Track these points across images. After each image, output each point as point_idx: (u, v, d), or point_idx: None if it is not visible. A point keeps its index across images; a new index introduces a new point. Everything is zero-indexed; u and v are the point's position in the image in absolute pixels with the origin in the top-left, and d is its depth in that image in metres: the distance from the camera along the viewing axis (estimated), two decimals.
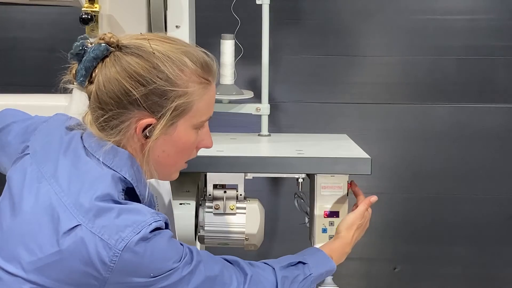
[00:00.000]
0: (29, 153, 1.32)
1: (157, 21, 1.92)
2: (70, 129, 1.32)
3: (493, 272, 2.82)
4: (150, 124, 1.26)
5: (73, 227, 1.17)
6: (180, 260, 1.23)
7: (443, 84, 2.74)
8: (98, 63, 1.26)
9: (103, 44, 1.25)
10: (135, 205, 1.22)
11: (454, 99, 2.74)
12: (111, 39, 1.26)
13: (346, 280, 2.73)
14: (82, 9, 1.84)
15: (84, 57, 1.26)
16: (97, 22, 1.87)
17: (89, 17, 1.82)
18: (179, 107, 1.26)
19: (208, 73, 1.30)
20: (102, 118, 1.26)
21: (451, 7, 2.71)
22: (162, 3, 1.91)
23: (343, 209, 1.82)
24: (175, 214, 1.76)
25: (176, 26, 1.93)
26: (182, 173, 1.93)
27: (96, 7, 1.84)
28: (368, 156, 1.85)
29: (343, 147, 2.06)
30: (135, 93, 1.24)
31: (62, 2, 2.03)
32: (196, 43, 2.11)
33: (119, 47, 1.26)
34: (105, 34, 1.27)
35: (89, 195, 1.20)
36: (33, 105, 1.49)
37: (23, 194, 1.25)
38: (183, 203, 1.88)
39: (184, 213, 1.86)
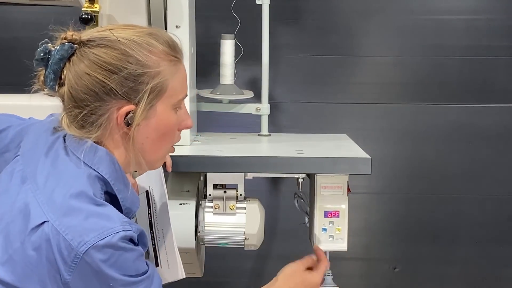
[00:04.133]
0: (19, 155, 1.33)
1: (157, 21, 1.92)
2: (56, 129, 1.32)
3: (493, 272, 2.81)
4: (130, 111, 1.25)
5: (41, 223, 1.17)
6: (139, 278, 1.20)
7: (443, 84, 2.74)
8: (65, 64, 1.25)
9: (66, 43, 1.25)
10: (108, 209, 1.21)
11: (454, 99, 2.74)
12: (73, 37, 1.26)
13: (346, 280, 2.72)
14: (82, 9, 1.84)
15: (50, 61, 1.25)
16: (97, 22, 1.87)
17: (89, 17, 1.82)
18: (154, 88, 1.26)
19: (175, 50, 1.31)
20: (80, 116, 1.25)
21: (451, 7, 2.70)
22: (162, 3, 1.91)
23: (343, 209, 1.82)
24: (175, 214, 1.76)
25: (176, 26, 1.93)
26: (182, 173, 1.94)
27: (96, 7, 1.84)
28: (368, 156, 1.85)
29: (343, 147, 2.06)
30: (109, 83, 1.23)
31: (62, 2, 2.03)
32: (196, 43, 2.11)
33: (83, 43, 1.25)
34: (66, 32, 1.27)
35: (63, 192, 1.20)
36: (32, 105, 1.48)
37: (7, 194, 1.26)
38: (183, 203, 1.88)
39: (184, 213, 1.86)
